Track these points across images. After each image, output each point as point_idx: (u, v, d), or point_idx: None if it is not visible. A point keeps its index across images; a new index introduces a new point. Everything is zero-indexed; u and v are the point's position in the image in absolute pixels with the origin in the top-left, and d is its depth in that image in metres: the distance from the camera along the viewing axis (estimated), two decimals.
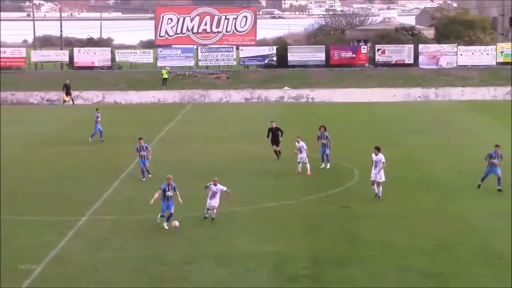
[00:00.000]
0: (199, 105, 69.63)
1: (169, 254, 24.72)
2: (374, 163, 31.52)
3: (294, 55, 79.00)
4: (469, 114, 60.06)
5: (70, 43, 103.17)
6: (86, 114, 61.57)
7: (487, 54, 77.77)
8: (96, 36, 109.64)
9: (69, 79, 71.92)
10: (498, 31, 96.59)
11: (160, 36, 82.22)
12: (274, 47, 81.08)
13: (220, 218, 28.44)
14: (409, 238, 26.27)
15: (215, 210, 28.40)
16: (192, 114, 62.97)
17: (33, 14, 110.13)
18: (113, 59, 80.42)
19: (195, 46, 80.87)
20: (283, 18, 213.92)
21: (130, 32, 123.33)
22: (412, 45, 78.61)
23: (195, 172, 37.08)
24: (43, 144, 47.52)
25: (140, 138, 36.54)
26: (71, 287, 22.10)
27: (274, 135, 40.58)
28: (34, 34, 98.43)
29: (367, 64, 79.83)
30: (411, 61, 78.08)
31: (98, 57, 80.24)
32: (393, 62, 78.25)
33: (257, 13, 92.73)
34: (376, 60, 78.75)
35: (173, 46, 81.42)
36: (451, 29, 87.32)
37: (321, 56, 78.49)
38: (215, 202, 28.38)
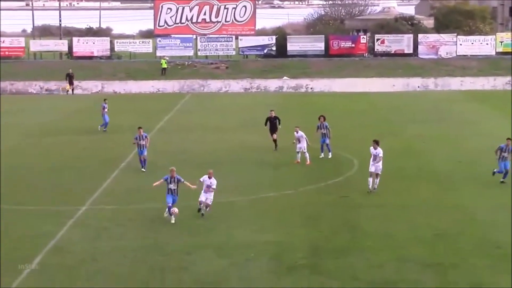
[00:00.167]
0: (198, 95, 69.57)
1: (169, 244, 24.70)
2: (372, 156, 31.29)
3: (294, 45, 78.92)
4: (469, 104, 60.06)
5: (69, 33, 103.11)
6: (86, 104, 61.65)
7: (487, 44, 77.68)
8: (95, 25, 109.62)
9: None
10: (498, 21, 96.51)
11: (159, 25, 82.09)
12: (274, 37, 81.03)
13: (219, 208, 28.38)
14: (408, 228, 26.25)
15: (208, 208, 27.68)
16: (191, 104, 62.92)
17: (32, 4, 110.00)
18: (112, 49, 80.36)
19: (194, 36, 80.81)
20: (283, 7, 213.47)
21: (129, 21, 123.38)
22: (411, 35, 78.58)
23: (194, 162, 37.01)
24: (43, 134, 47.52)
25: (139, 128, 36.41)
26: (70, 276, 22.10)
27: (272, 123, 40.36)
28: (33, 24, 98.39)
29: (366, 54, 79.77)
30: (411, 51, 78.02)
31: (97, 47, 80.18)
32: (393, 52, 78.18)
33: (257, 2, 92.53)
34: (375, 50, 78.69)
35: (172, 35, 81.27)
36: (451, 19, 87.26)
37: (321, 46, 78.44)
38: (209, 200, 27.55)
